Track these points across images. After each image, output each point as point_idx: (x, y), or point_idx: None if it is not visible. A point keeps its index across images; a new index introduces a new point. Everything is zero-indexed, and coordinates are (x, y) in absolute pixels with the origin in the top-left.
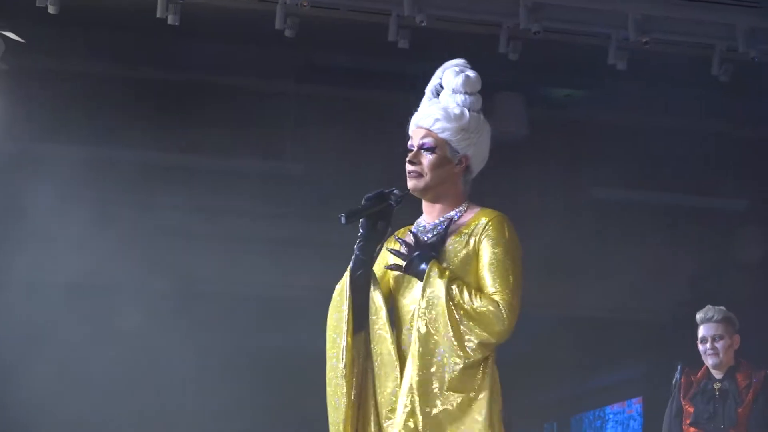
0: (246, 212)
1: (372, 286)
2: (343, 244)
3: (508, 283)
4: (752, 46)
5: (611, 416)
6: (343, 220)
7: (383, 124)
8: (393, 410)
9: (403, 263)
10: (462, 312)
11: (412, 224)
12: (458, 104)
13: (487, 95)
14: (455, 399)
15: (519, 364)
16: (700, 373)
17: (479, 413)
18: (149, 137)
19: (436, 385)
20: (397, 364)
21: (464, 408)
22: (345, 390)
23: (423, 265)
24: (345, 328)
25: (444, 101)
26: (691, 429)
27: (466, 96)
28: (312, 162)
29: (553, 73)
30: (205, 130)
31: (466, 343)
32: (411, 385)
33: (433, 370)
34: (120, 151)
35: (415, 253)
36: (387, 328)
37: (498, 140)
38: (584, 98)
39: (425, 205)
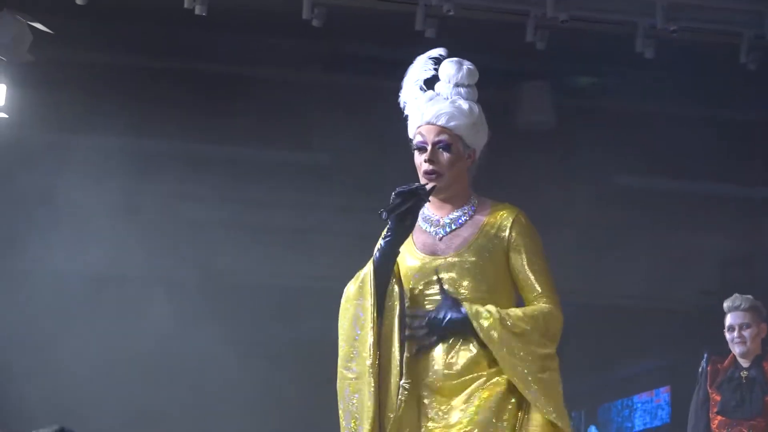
0: (272, 202)
1: (393, 281)
2: (371, 234)
3: (549, 282)
4: None
5: (639, 405)
6: (384, 216)
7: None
8: (392, 410)
9: (429, 337)
10: (525, 331)
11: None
12: (464, 99)
13: (514, 84)
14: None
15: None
16: (727, 362)
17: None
18: (176, 129)
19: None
20: (398, 363)
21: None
22: (373, 386)
23: (462, 318)
24: (371, 324)
25: (446, 95)
26: (718, 417)
27: (468, 88)
28: (338, 152)
29: (580, 62)
30: (232, 120)
31: (544, 353)
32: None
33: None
34: (147, 143)
35: (439, 320)
36: (396, 327)
37: (525, 129)
38: (612, 87)
39: (434, 199)
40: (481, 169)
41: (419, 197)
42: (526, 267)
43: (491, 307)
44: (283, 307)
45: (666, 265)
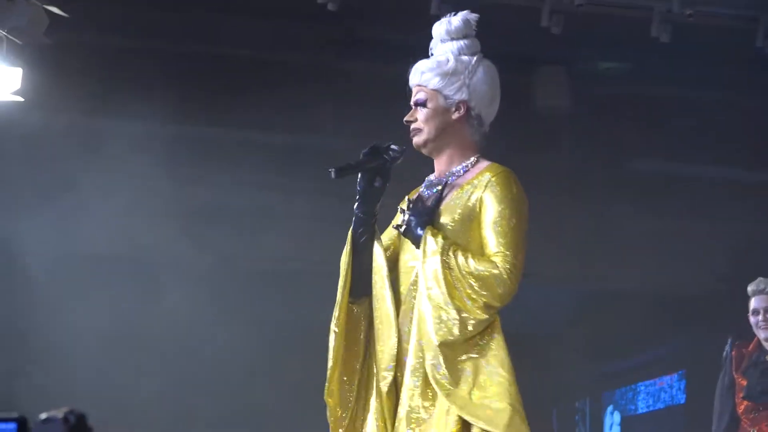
0: (287, 188)
1: (375, 245)
2: (386, 220)
3: (510, 243)
4: None
5: (642, 388)
6: (332, 174)
7: None
8: (388, 370)
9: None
10: (461, 279)
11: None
12: (446, 51)
13: (530, 70)
14: (461, 366)
15: (558, 340)
16: (751, 346)
17: (497, 365)
18: (190, 113)
19: (441, 361)
20: (394, 323)
21: (481, 364)
22: (334, 345)
23: (419, 231)
24: (342, 284)
25: (436, 53)
26: (745, 402)
27: (455, 42)
28: (353, 138)
29: (595, 47)
30: (247, 105)
31: (467, 313)
32: (418, 349)
33: (434, 339)
34: (162, 127)
35: (411, 216)
36: (386, 287)
37: (540, 114)
38: (627, 71)
39: (435, 161)
40: (493, 153)
41: (386, 158)
42: (488, 225)
43: (449, 251)
44: (299, 292)
45: (681, 250)
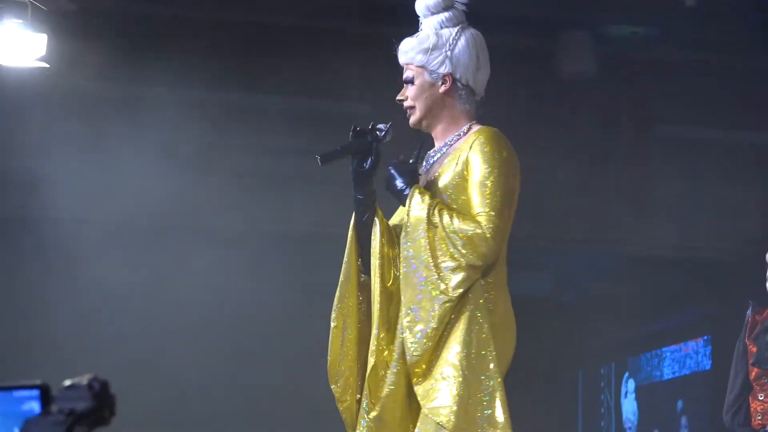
0: (312, 153)
1: (374, 228)
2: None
3: (495, 202)
4: None
5: (668, 354)
6: (319, 162)
7: None
8: (373, 353)
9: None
10: (444, 238)
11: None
12: (429, 26)
13: (555, 34)
14: (441, 331)
15: (586, 304)
16: (766, 313)
17: (453, 338)
18: (214, 79)
19: (425, 318)
20: (378, 306)
21: (446, 336)
22: (332, 327)
23: (405, 189)
24: (346, 270)
25: (422, 30)
26: (755, 369)
27: (436, 16)
28: (378, 103)
29: (620, 11)
30: (271, 71)
31: (450, 273)
32: (402, 323)
33: (422, 303)
34: (188, 92)
35: (393, 171)
36: (377, 269)
37: (566, 79)
38: (652, 36)
39: (432, 135)
40: (518, 119)
41: (370, 139)
42: (473, 185)
43: (434, 208)
44: (318, 256)
45: (709, 215)
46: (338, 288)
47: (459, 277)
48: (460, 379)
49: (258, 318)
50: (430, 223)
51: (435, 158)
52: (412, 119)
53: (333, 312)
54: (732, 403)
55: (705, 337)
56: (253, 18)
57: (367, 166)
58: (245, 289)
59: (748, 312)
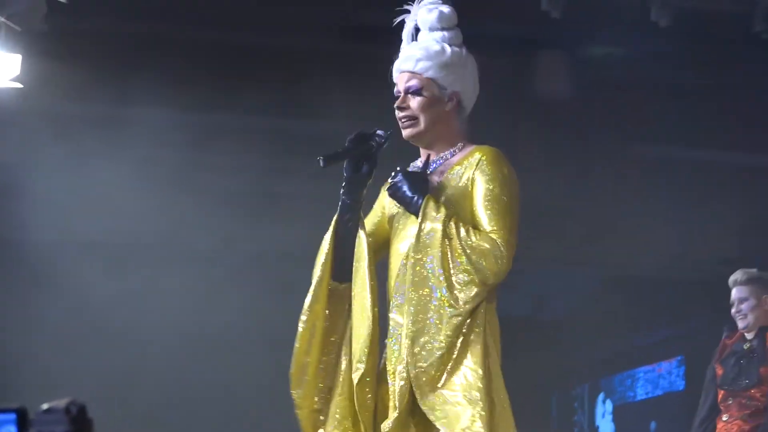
0: (292, 171)
1: (360, 233)
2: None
3: (504, 221)
4: None
5: (641, 375)
6: (321, 163)
7: None
8: (361, 361)
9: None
10: (459, 251)
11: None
12: (437, 41)
13: (530, 54)
14: (449, 345)
15: (561, 324)
16: (735, 337)
17: (473, 361)
18: (191, 98)
19: (432, 330)
20: (370, 314)
21: (460, 355)
22: (301, 330)
23: (416, 198)
24: (319, 273)
25: (422, 41)
26: (721, 391)
27: (444, 32)
28: (356, 121)
29: (595, 31)
30: (250, 89)
31: (461, 286)
32: (407, 332)
33: (429, 315)
34: (162, 112)
35: (402, 179)
36: (367, 274)
37: (540, 98)
38: (627, 56)
39: (422, 150)
40: (495, 137)
41: (373, 144)
42: (478, 206)
43: (451, 221)
44: (302, 276)
45: (684, 234)
46: (311, 290)
47: (471, 292)
48: (488, 402)
49: (234, 335)
50: (445, 234)
51: (428, 171)
52: (412, 131)
53: (303, 314)
54: (699, 425)
55: (678, 358)
56: (229, 37)
57: (363, 171)
58: (220, 306)
59: (723, 336)
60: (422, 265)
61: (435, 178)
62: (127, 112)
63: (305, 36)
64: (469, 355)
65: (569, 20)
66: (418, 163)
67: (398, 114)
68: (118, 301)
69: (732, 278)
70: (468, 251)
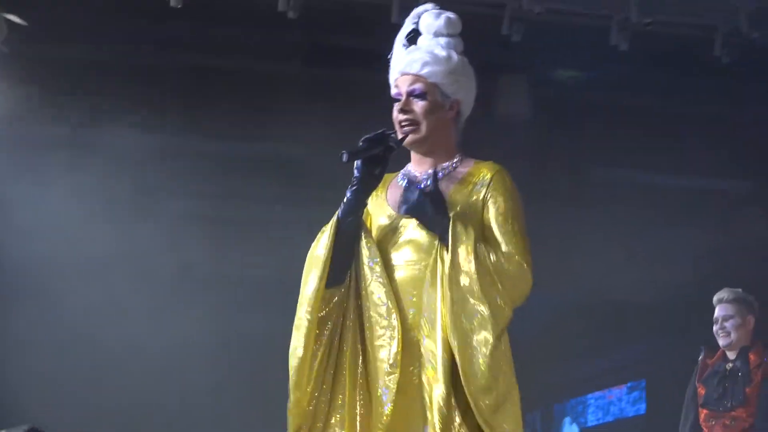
0: (250, 195)
1: (363, 235)
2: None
3: (524, 243)
4: (755, 28)
5: (592, 401)
6: (344, 158)
7: (389, 106)
8: (395, 365)
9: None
10: (491, 274)
11: (397, 172)
12: (442, 47)
13: (490, 77)
14: (494, 374)
15: (524, 347)
16: (716, 356)
17: (514, 387)
18: (152, 121)
19: (479, 360)
20: (397, 317)
21: (507, 385)
22: (306, 331)
23: (441, 219)
24: (319, 274)
25: (426, 46)
26: (704, 411)
27: (450, 38)
28: (317, 144)
29: (555, 55)
30: (209, 113)
31: (498, 310)
32: (459, 367)
33: (473, 341)
34: (122, 136)
35: (422, 196)
36: (385, 278)
37: (500, 122)
38: (587, 79)
39: (415, 155)
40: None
41: (388, 145)
42: (497, 227)
43: (481, 245)
44: (258, 299)
45: (641, 258)
46: (313, 290)
47: (506, 315)
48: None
49: (195, 359)
50: (477, 258)
51: (429, 181)
52: (415, 135)
53: (306, 314)
54: None
55: (628, 384)
56: (191, 60)
57: (377, 173)
58: (181, 329)
59: (700, 357)
60: (458, 286)
61: (444, 189)
62: (87, 134)
63: (267, 60)
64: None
65: (529, 44)
66: (412, 171)
67: (400, 117)
68: (80, 318)
69: (717, 296)
70: (499, 275)
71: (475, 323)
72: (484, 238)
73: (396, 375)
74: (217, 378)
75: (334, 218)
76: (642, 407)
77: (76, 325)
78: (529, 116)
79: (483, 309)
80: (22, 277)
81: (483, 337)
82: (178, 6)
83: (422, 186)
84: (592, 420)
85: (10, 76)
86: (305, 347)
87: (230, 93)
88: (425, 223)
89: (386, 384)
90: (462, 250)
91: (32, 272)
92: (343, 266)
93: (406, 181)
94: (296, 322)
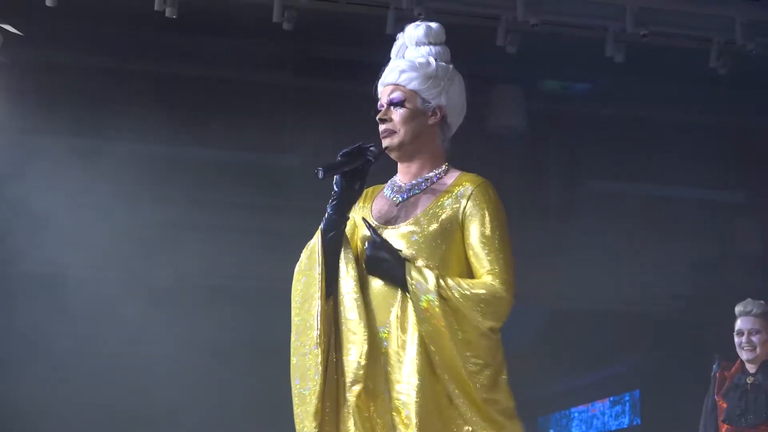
0: (242, 205)
1: (343, 249)
2: None
3: (501, 259)
4: (750, 39)
5: (576, 415)
6: (320, 174)
7: None
8: (357, 382)
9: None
10: (459, 308)
11: (384, 183)
12: (423, 55)
13: (485, 88)
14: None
15: (510, 359)
16: (734, 368)
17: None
18: (147, 131)
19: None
20: (365, 332)
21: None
22: (320, 359)
23: (397, 269)
24: (318, 293)
25: (409, 56)
26: (725, 426)
27: (431, 46)
28: (309, 155)
29: (551, 66)
30: (202, 123)
31: (473, 344)
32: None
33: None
34: (115, 144)
35: (374, 253)
36: (358, 294)
37: (495, 133)
38: (582, 91)
39: (401, 165)
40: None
41: (366, 159)
42: (477, 241)
43: (442, 282)
44: (256, 309)
45: (636, 269)
46: (315, 312)
47: (486, 343)
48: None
49: (187, 370)
50: (440, 298)
51: (411, 192)
52: (391, 142)
53: (313, 346)
54: None
55: (611, 398)
56: (186, 71)
57: (357, 187)
58: (176, 337)
59: (714, 367)
60: (431, 336)
61: (424, 201)
62: (81, 144)
63: (260, 69)
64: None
65: (524, 56)
66: (397, 180)
67: (380, 126)
68: (69, 333)
69: (743, 308)
70: (467, 305)
71: (450, 368)
72: (462, 253)
73: (359, 387)
74: (215, 386)
75: (318, 235)
76: (624, 421)
77: (66, 336)
78: (524, 128)
79: (452, 352)
80: (17, 287)
81: (457, 376)
82: (173, 16)
83: (401, 198)
84: None
85: (8, 85)
86: (321, 366)
87: (224, 102)
88: (381, 276)
89: (349, 396)
90: (425, 301)
91: (29, 282)
92: (330, 281)
93: (390, 191)
94: (300, 349)
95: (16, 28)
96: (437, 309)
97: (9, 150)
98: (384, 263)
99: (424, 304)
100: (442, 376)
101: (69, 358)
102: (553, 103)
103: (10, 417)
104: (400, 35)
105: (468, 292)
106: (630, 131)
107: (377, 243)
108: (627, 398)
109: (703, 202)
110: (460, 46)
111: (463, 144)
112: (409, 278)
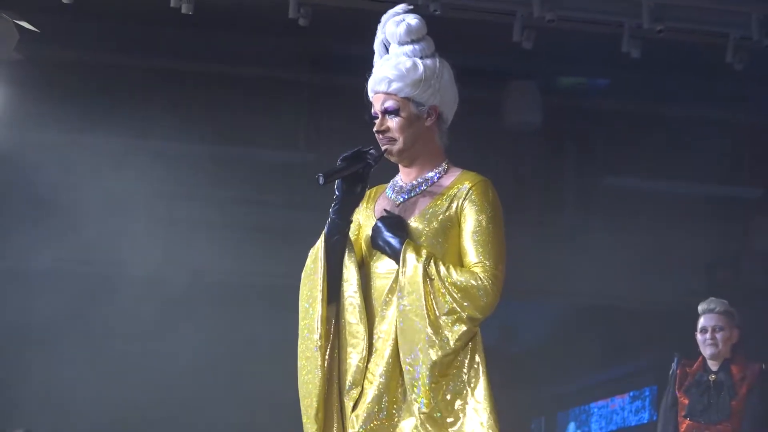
0: (261, 201)
1: (346, 252)
2: None
3: (491, 253)
4: (766, 35)
5: (595, 410)
6: (321, 180)
7: None
8: (355, 385)
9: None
10: (440, 290)
11: (387, 183)
12: (407, 55)
13: (501, 84)
14: (447, 388)
15: (531, 354)
16: (696, 365)
17: (480, 397)
18: (163, 127)
19: (425, 373)
20: (365, 336)
21: (465, 395)
22: (320, 362)
23: (394, 243)
24: (320, 297)
25: (393, 57)
26: (686, 421)
27: (414, 45)
28: (325, 151)
29: (567, 62)
30: (219, 119)
31: (449, 326)
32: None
33: (416, 352)
34: (130, 140)
35: (381, 227)
36: (358, 297)
37: (512, 129)
38: (598, 87)
39: (403, 167)
40: (465, 167)
41: (367, 162)
42: (468, 236)
43: (431, 263)
44: (270, 305)
45: (651, 266)
46: (316, 315)
47: (459, 329)
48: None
49: (202, 368)
50: (426, 275)
51: (412, 193)
52: (392, 149)
53: (314, 347)
54: None
55: (630, 394)
56: (202, 67)
57: (358, 191)
58: (186, 336)
59: (674, 365)
60: (409, 308)
61: (425, 201)
62: (97, 140)
63: (272, 66)
64: (476, 394)
65: (540, 51)
66: (399, 181)
67: (378, 136)
68: (84, 332)
69: (706, 306)
70: (450, 289)
71: (420, 346)
72: (459, 249)
73: (357, 391)
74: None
75: (322, 239)
76: (644, 416)
77: (79, 335)
78: (540, 123)
79: (427, 329)
80: (29, 284)
81: (423, 359)
82: (189, 12)
83: (402, 198)
84: (595, 428)
85: (23, 81)
86: (320, 370)
87: (240, 98)
88: (383, 252)
89: (346, 400)
90: (409, 273)
91: (40, 279)
92: (335, 285)
93: (392, 192)
94: (305, 352)
95: (32, 25)
96: (419, 283)
97: (23, 145)
98: (384, 234)
99: (409, 276)
100: (403, 360)
101: (87, 353)
102: (569, 98)
103: (28, 414)
104: (379, 29)
105: (451, 279)
106: (646, 127)
107: (392, 215)
108: (647, 393)
109: (719, 198)
110: (477, 41)
111: (476, 141)
112: (403, 251)
